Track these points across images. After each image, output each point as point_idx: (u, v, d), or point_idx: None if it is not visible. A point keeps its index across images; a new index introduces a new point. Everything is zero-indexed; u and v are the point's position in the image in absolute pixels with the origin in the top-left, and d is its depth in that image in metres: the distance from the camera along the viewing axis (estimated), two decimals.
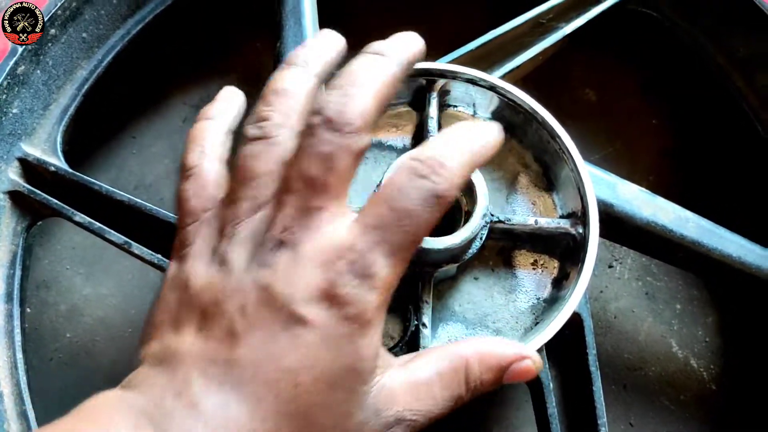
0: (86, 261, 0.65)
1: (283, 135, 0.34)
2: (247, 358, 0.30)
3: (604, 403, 0.49)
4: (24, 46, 0.54)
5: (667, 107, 0.71)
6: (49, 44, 0.57)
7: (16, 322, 0.53)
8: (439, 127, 0.54)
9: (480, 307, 0.50)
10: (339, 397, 0.31)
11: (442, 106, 0.55)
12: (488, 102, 0.54)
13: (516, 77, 0.59)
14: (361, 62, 0.35)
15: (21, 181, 0.56)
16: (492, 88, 0.52)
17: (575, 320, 0.51)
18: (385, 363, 0.33)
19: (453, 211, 0.51)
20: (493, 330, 0.50)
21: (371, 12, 0.74)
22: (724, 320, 0.63)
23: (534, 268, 0.52)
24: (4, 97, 0.54)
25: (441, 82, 0.53)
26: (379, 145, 0.55)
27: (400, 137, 0.56)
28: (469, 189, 0.48)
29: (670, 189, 0.66)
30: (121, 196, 0.54)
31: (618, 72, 0.73)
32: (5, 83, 0.54)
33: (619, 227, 0.53)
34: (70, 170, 0.55)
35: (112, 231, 0.53)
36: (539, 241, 0.52)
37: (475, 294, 0.51)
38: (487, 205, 0.47)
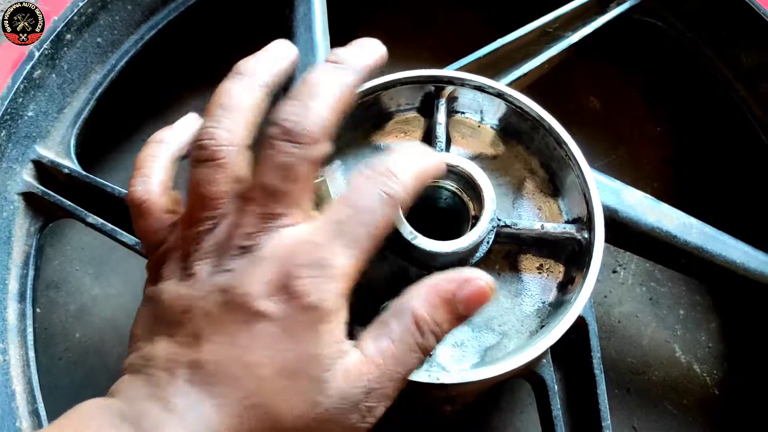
0: (95, 262, 0.65)
1: (230, 155, 0.35)
2: (211, 358, 0.31)
3: (608, 406, 0.49)
4: (41, 51, 0.56)
5: (671, 115, 0.72)
6: (65, 49, 0.58)
7: (29, 321, 0.54)
8: (447, 134, 0.55)
9: (486, 311, 0.51)
10: (303, 386, 0.32)
11: (450, 112, 0.56)
12: (495, 109, 0.55)
13: (523, 85, 0.60)
14: (320, 72, 0.36)
15: (35, 183, 0.57)
16: (499, 95, 0.53)
17: (580, 324, 0.52)
18: (347, 347, 0.34)
19: (461, 216, 0.52)
20: (498, 333, 0.51)
21: (380, 21, 0.75)
22: (726, 326, 0.63)
23: (540, 273, 0.52)
24: (20, 100, 0.55)
25: (449, 88, 0.54)
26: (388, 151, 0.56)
27: (408, 143, 0.57)
28: (477, 194, 0.49)
29: (674, 196, 0.67)
30: None
31: (623, 80, 0.74)
32: (22, 86, 0.55)
33: (623, 233, 0.54)
34: (84, 172, 0.56)
35: (124, 232, 0.54)
36: (545, 246, 0.52)
37: None
38: (494, 209, 0.48)
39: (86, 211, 0.55)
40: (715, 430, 0.60)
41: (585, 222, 0.50)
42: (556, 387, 0.50)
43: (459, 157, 0.50)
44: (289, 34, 0.61)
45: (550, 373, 0.50)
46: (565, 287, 0.51)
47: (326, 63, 0.37)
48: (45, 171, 0.57)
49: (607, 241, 0.50)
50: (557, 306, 0.51)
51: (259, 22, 0.74)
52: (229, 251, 0.33)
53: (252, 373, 0.31)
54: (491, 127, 0.56)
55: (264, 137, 0.35)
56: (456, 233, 0.48)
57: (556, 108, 0.54)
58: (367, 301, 0.51)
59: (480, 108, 0.56)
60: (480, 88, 0.54)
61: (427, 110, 0.56)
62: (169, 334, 0.33)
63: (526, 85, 0.61)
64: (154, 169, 0.40)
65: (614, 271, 0.65)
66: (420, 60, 0.74)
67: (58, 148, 0.58)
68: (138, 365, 0.34)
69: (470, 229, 0.48)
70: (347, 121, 0.55)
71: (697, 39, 0.65)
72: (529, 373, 0.51)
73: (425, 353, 0.35)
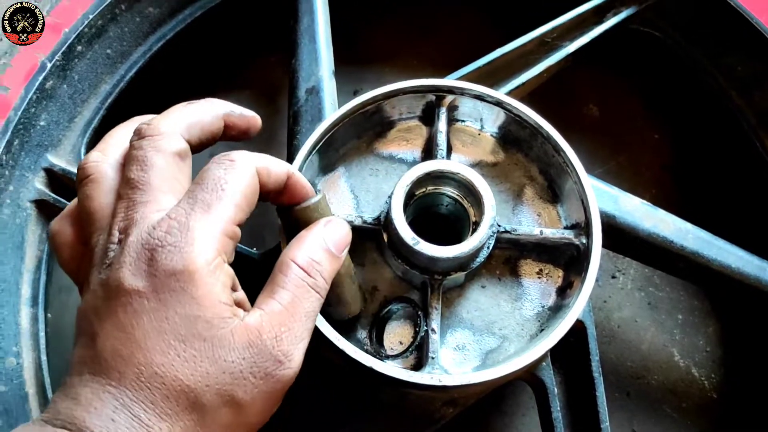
0: None
1: (101, 169, 0.39)
2: (107, 347, 0.34)
3: (606, 408, 0.50)
4: (52, 62, 0.57)
5: (668, 123, 0.73)
6: (76, 60, 0.60)
7: (41, 325, 0.56)
8: (449, 141, 0.56)
9: (487, 314, 0.52)
10: (199, 347, 0.34)
11: (451, 120, 0.57)
12: (495, 117, 0.56)
13: (522, 93, 0.61)
14: (175, 107, 0.41)
15: (47, 190, 0.58)
16: (498, 103, 0.55)
17: (579, 328, 0.53)
18: (236, 308, 0.36)
19: (462, 221, 0.53)
20: (499, 336, 0.52)
21: (381, 30, 0.76)
22: (724, 330, 0.64)
23: (539, 277, 0.54)
24: (32, 110, 0.57)
25: (450, 97, 0.55)
26: (390, 158, 0.58)
27: (410, 150, 0.58)
28: (477, 200, 0.50)
29: (672, 202, 0.68)
30: None
31: (621, 89, 0.75)
32: (34, 97, 0.56)
33: (621, 238, 0.55)
34: None
35: None
36: (544, 251, 0.53)
37: (483, 302, 0.53)
38: (494, 216, 0.49)
39: None
40: None
41: (583, 228, 0.51)
42: (555, 389, 0.51)
43: (460, 164, 0.51)
44: (293, 45, 0.62)
45: (550, 376, 0.51)
46: (564, 292, 0.52)
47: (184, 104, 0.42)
48: (56, 179, 0.59)
49: (605, 246, 0.51)
50: (556, 310, 0.52)
51: (264, 33, 0.76)
52: (109, 249, 0.36)
53: (141, 346, 0.33)
54: (491, 135, 0.58)
55: None
56: (458, 238, 0.49)
57: (556, 116, 0.55)
58: (373, 305, 0.53)
59: (480, 116, 0.57)
60: (480, 97, 0.55)
61: (428, 119, 0.57)
62: (78, 343, 0.36)
63: (525, 93, 0.62)
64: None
65: (613, 277, 0.66)
66: (422, 68, 0.75)
67: (69, 157, 0.60)
68: (63, 379, 0.37)
69: (471, 235, 0.49)
70: (350, 130, 0.57)
71: (693, 48, 0.67)
72: (529, 375, 0.52)
73: (319, 292, 0.39)
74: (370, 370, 0.45)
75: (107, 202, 0.38)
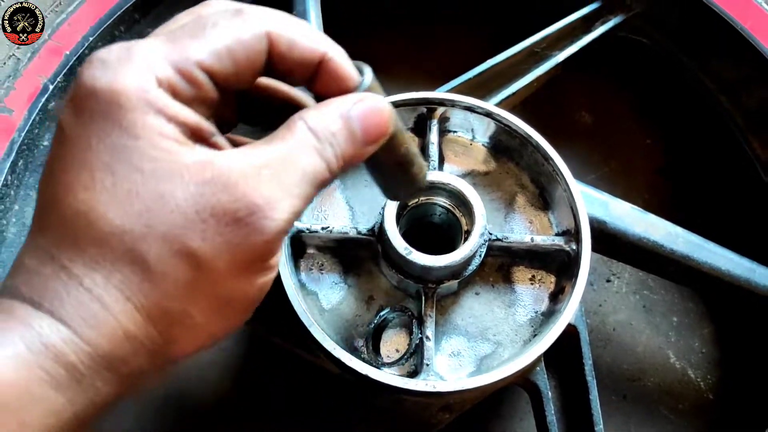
0: None
1: None
2: (40, 196, 0.30)
3: (600, 411, 0.51)
4: (54, 84, 0.59)
5: (659, 127, 0.74)
6: None
7: None
8: (441, 152, 0.57)
9: (481, 321, 0.53)
10: (131, 181, 0.28)
11: (443, 131, 0.58)
12: (486, 127, 0.57)
13: (512, 103, 0.63)
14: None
15: None
16: (488, 114, 0.56)
17: (571, 332, 0.54)
18: (200, 148, 0.29)
19: (455, 230, 0.54)
20: (494, 342, 0.53)
21: (377, 42, 0.78)
22: (719, 331, 0.65)
23: (532, 283, 0.55)
24: (36, 131, 0.58)
25: (441, 109, 0.57)
26: None
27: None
28: (468, 209, 0.51)
29: (665, 206, 0.69)
30: None
31: (612, 95, 0.76)
32: (37, 118, 0.58)
33: (612, 243, 0.56)
34: None
35: None
36: (536, 258, 0.55)
37: (476, 308, 0.54)
38: (484, 224, 0.50)
39: None
40: None
41: (573, 234, 0.52)
42: (550, 393, 0.51)
43: (450, 175, 0.52)
44: None
45: (544, 380, 0.52)
46: (557, 297, 0.53)
47: None
48: None
49: (597, 251, 0.52)
50: (549, 315, 0.53)
51: None
52: None
53: (62, 182, 0.28)
54: (482, 145, 0.59)
55: None
56: (451, 247, 0.51)
57: (549, 123, 0.56)
58: (369, 314, 0.54)
59: (471, 127, 0.58)
60: (470, 109, 0.56)
61: (420, 130, 0.58)
62: None
63: (516, 103, 0.63)
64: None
65: (608, 281, 0.67)
66: (418, 80, 0.76)
67: None
68: None
69: (462, 243, 0.50)
70: None
71: (681, 54, 0.68)
72: (524, 380, 0.53)
73: (325, 161, 0.31)
74: (366, 377, 0.46)
75: None
